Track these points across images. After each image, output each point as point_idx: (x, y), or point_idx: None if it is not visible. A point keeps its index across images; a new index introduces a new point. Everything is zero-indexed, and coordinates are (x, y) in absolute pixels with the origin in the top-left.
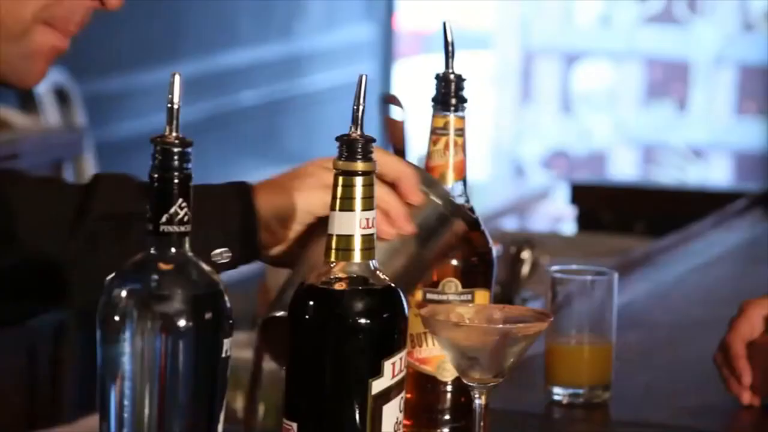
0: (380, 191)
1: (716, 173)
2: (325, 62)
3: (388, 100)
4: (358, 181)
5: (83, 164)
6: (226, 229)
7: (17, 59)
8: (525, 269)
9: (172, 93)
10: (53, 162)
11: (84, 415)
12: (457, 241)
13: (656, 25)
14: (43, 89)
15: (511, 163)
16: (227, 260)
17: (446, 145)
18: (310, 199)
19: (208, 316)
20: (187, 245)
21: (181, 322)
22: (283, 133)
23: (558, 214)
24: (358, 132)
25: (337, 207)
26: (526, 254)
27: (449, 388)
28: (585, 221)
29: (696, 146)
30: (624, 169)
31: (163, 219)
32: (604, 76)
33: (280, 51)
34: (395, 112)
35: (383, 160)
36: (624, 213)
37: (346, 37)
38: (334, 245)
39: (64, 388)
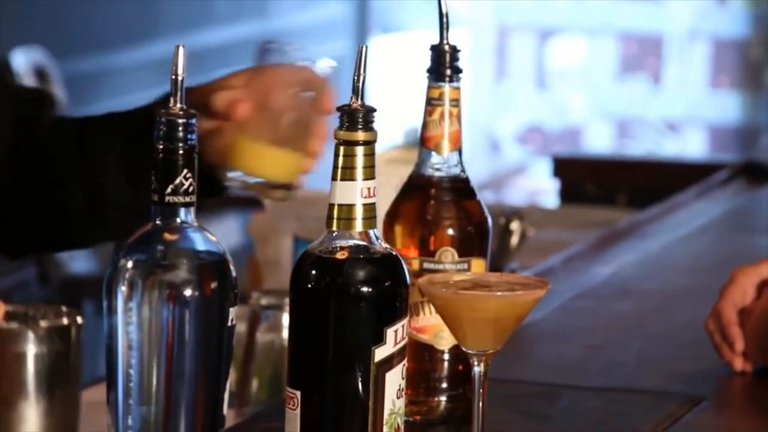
0: None
1: (691, 147)
2: (300, 41)
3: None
4: (360, 150)
5: None
6: None
7: None
8: (514, 240)
9: (176, 65)
10: None
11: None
12: None
13: None
14: (22, 68)
15: (486, 139)
16: None
17: (441, 116)
18: None
19: (213, 285)
20: (192, 215)
21: (187, 292)
22: None
23: (536, 189)
24: (359, 102)
25: (339, 177)
26: (515, 225)
27: (446, 356)
28: (567, 194)
29: (670, 120)
30: (599, 143)
31: (168, 190)
32: (579, 51)
33: (255, 29)
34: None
35: None
36: (606, 185)
37: (321, 15)
38: (335, 215)
39: None
